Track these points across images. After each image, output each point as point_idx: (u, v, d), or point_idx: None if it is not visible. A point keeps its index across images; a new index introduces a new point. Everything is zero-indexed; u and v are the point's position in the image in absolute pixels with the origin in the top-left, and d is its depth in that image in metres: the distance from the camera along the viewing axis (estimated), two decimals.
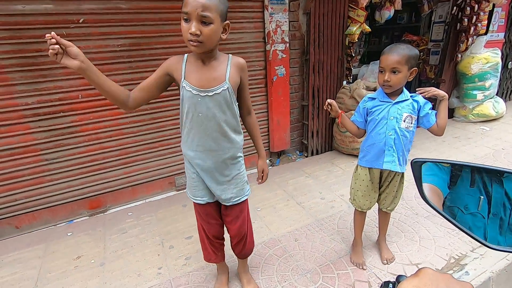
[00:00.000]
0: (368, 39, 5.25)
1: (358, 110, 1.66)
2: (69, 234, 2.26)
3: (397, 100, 1.50)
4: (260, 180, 1.53)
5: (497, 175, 0.61)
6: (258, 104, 3.07)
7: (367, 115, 1.62)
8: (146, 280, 1.78)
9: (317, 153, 3.47)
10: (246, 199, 1.48)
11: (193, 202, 1.44)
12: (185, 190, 1.51)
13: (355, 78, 3.67)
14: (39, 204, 2.35)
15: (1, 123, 2.08)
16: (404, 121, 1.50)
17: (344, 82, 3.43)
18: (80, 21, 2.12)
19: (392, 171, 1.59)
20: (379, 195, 1.73)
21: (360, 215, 1.81)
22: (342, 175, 2.93)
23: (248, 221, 1.55)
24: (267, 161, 3.29)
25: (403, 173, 1.63)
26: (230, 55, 1.27)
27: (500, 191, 0.63)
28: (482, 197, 0.65)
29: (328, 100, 1.56)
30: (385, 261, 1.81)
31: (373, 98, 1.59)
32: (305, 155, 3.46)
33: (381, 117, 1.54)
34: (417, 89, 1.52)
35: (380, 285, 0.50)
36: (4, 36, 1.95)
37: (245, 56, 2.82)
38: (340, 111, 1.60)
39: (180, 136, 1.38)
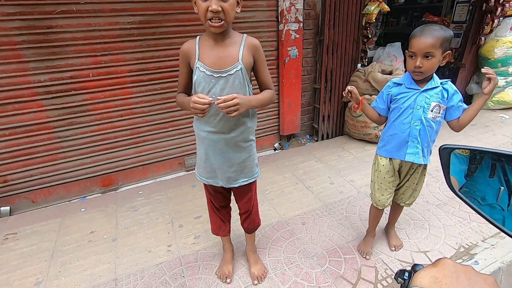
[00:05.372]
0: (385, 20, 5.02)
1: (381, 96, 1.52)
2: (82, 210, 2.33)
3: (425, 87, 1.36)
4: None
5: None
6: None
7: (390, 102, 1.48)
8: (156, 256, 1.84)
9: (327, 138, 3.42)
10: (255, 180, 1.50)
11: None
12: (194, 171, 1.52)
13: (370, 60, 3.55)
14: (53, 180, 2.42)
15: (15, 100, 2.11)
16: (432, 110, 1.37)
17: (359, 65, 3.31)
18: None
19: (415, 163, 1.49)
20: (398, 189, 1.63)
21: (376, 210, 1.70)
22: (353, 160, 2.90)
23: (255, 199, 1.59)
24: (277, 144, 3.27)
25: (426, 164, 1.52)
26: (245, 35, 1.25)
27: None
28: (502, 187, 0.62)
29: (349, 87, 1.44)
30: (393, 248, 1.81)
31: (399, 84, 1.44)
32: (315, 139, 3.42)
33: (406, 105, 1.41)
34: (482, 68, 1.32)
35: (395, 273, 0.48)
36: (15, 11, 1.93)
37: (257, 35, 2.72)
38: (361, 97, 1.49)
39: (190, 117, 1.38)
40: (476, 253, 1.75)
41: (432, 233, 1.93)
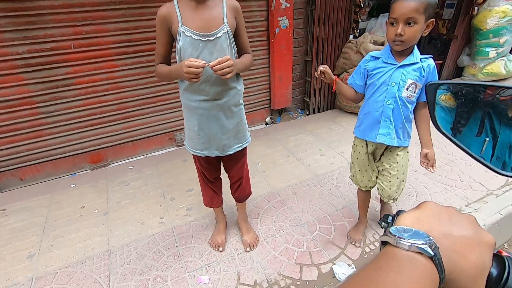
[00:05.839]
0: None
1: (358, 71, 1.40)
2: (72, 185, 2.31)
3: (403, 62, 1.25)
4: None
5: (505, 114, 0.58)
6: (259, 59, 2.94)
7: (367, 78, 1.37)
8: (149, 228, 1.85)
9: (319, 111, 3.41)
10: (247, 146, 1.51)
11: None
12: (184, 146, 1.50)
13: (362, 32, 3.47)
14: (41, 157, 2.37)
15: None
16: (407, 89, 1.26)
17: (351, 36, 3.24)
18: None
19: (389, 145, 1.39)
20: (382, 176, 1.51)
21: (363, 193, 1.63)
22: (344, 132, 2.91)
23: (246, 166, 1.61)
24: (268, 118, 3.25)
25: (407, 148, 1.43)
26: None
27: (508, 133, 0.60)
28: (487, 139, 0.62)
29: (321, 68, 1.30)
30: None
31: (376, 58, 1.33)
32: (307, 113, 3.41)
33: (381, 82, 1.30)
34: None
35: (379, 218, 0.49)
36: None
37: (245, 4, 2.64)
38: (334, 77, 1.35)
39: (178, 91, 1.35)
40: None
41: (419, 200, 1.99)
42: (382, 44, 2.98)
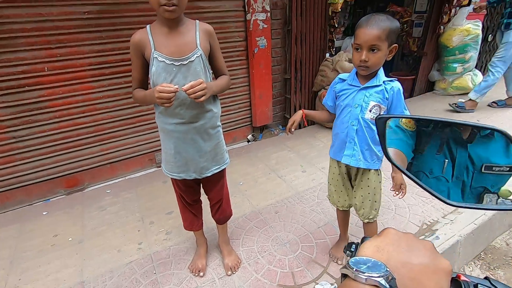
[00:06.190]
0: (352, 11, 5.12)
1: (329, 92, 1.43)
2: (45, 213, 2.20)
3: (366, 85, 1.27)
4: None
5: (460, 137, 0.62)
6: (239, 78, 2.98)
7: (336, 99, 1.41)
8: (127, 255, 1.78)
9: (299, 127, 3.46)
10: (225, 167, 1.50)
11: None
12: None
13: (338, 50, 3.61)
14: (11, 184, 2.26)
15: None
16: (370, 111, 1.27)
17: (327, 55, 3.36)
18: None
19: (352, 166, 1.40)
20: (355, 197, 1.51)
21: (341, 212, 1.64)
22: (324, 148, 2.95)
23: (226, 187, 1.59)
24: (250, 135, 3.26)
25: (378, 170, 1.42)
26: (197, 20, 1.26)
27: (464, 155, 0.64)
28: (446, 160, 0.65)
29: (289, 127, 1.41)
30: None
31: (343, 80, 1.36)
32: None
33: (345, 103, 1.33)
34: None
35: (344, 247, 0.49)
36: None
37: (224, 26, 2.69)
38: (301, 111, 1.41)
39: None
40: (437, 229, 1.86)
41: (398, 213, 2.02)
42: None
